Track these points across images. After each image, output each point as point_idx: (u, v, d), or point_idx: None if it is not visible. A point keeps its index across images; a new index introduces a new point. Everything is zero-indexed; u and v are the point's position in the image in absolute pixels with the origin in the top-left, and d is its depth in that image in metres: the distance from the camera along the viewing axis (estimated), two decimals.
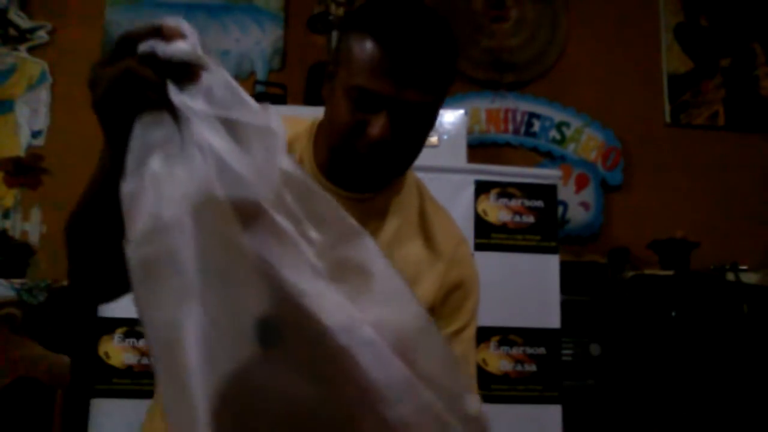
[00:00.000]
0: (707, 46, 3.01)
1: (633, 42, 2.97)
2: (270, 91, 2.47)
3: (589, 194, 2.80)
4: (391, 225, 0.94)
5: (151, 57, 0.59)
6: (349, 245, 0.62)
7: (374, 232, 0.92)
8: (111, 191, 0.64)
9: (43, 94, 2.66)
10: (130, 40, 0.60)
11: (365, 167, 0.85)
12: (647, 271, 2.43)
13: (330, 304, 0.57)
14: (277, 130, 0.60)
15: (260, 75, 2.76)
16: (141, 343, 1.91)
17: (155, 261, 0.55)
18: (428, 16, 0.82)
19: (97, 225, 0.75)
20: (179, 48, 0.59)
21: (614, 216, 2.83)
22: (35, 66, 2.67)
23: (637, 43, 2.97)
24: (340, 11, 2.37)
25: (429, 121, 0.86)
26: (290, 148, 0.93)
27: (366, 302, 0.60)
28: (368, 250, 0.63)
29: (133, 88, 0.61)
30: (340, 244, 0.61)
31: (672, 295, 2.31)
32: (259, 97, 2.37)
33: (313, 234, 0.59)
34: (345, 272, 0.60)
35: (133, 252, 0.56)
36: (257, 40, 2.80)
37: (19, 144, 2.62)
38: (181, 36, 0.60)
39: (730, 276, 2.41)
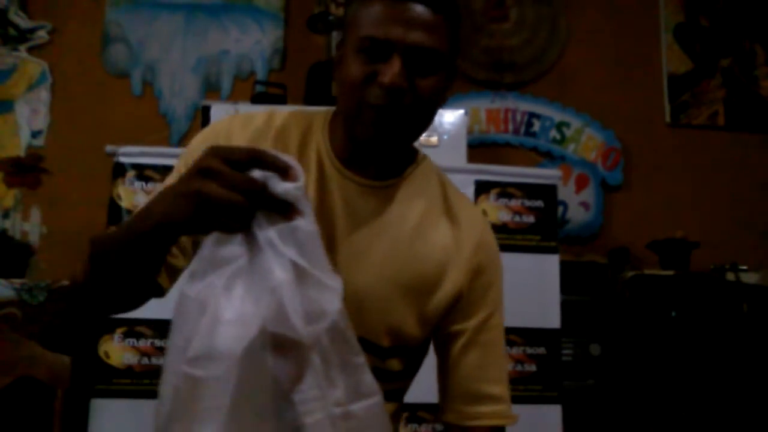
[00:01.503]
0: (707, 46, 3.01)
1: (633, 42, 2.97)
2: (270, 91, 2.47)
3: (589, 194, 2.80)
4: (415, 211, 0.93)
5: (260, 187, 0.62)
6: (362, 403, 0.69)
7: (399, 219, 0.92)
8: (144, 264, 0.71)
9: (43, 94, 2.66)
10: (247, 161, 0.62)
11: (381, 121, 0.83)
12: (647, 271, 2.43)
13: None
14: (338, 288, 0.65)
15: (260, 75, 2.76)
16: (141, 343, 1.91)
17: (200, 382, 0.62)
18: None
19: (126, 275, 0.77)
20: (290, 189, 0.62)
21: (614, 216, 2.83)
22: (35, 66, 2.67)
23: (637, 43, 2.97)
24: (340, 11, 2.37)
25: (441, 73, 0.85)
26: (305, 140, 0.92)
27: None
28: (376, 410, 0.71)
29: (229, 215, 0.62)
30: (356, 400, 0.69)
31: (672, 295, 2.31)
32: (259, 97, 2.38)
33: (338, 380, 0.66)
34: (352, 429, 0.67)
35: (186, 367, 0.62)
36: (257, 40, 2.80)
37: (19, 144, 2.62)
38: (294, 177, 0.63)
39: (730, 276, 2.41)
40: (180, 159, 0.94)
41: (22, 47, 2.68)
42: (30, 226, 2.55)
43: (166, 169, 1.98)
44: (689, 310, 2.28)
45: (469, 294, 0.94)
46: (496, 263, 0.98)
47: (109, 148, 2.01)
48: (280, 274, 0.61)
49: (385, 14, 0.81)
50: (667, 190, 2.86)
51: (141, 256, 0.71)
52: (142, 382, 1.89)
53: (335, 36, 2.40)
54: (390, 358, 0.93)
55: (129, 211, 1.95)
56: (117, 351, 1.90)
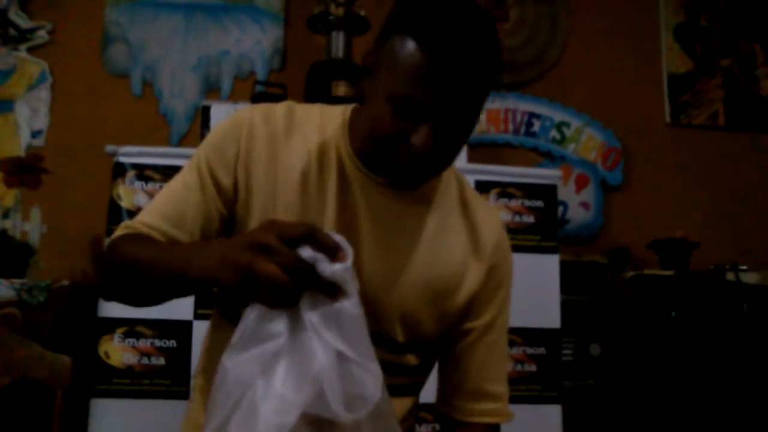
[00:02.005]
0: (707, 46, 3.01)
1: (633, 42, 2.97)
2: (270, 91, 2.46)
3: (589, 194, 2.80)
4: (434, 216, 0.93)
5: (309, 269, 0.62)
6: None
7: (417, 224, 0.92)
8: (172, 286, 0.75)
9: (43, 94, 2.66)
10: (299, 238, 0.63)
11: (406, 173, 0.84)
12: (647, 271, 2.43)
13: None
14: (379, 375, 0.66)
15: (260, 75, 2.76)
16: (141, 343, 1.91)
17: None
18: (475, 18, 0.78)
19: (147, 287, 0.80)
20: (338, 271, 0.63)
21: (614, 216, 2.83)
22: (35, 66, 2.67)
23: (637, 43, 2.97)
24: (340, 11, 2.37)
25: (471, 127, 0.84)
26: (325, 138, 0.91)
27: None
28: None
29: (276, 294, 0.63)
30: None
31: (672, 295, 2.31)
32: (259, 97, 2.38)
33: None
34: None
35: None
36: (257, 40, 2.80)
37: (19, 144, 2.62)
38: (342, 257, 0.64)
39: (730, 276, 2.41)
40: (200, 150, 0.92)
41: (22, 47, 2.67)
42: (30, 226, 2.55)
43: (166, 169, 1.98)
44: (689, 310, 2.28)
45: (481, 293, 0.95)
46: (508, 264, 1.01)
47: (109, 148, 2.01)
48: (322, 358, 0.62)
49: (425, 73, 0.76)
50: (667, 190, 2.86)
51: (176, 290, 0.76)
52: (142, 382, 1.89)
53: (334, 35, 2.39)
54: (406, 353, 0.94)
55: (129, 211, 1.95)
56: (117, 351, 1.90)
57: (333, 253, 0.64)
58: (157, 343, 1.91)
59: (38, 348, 1.40)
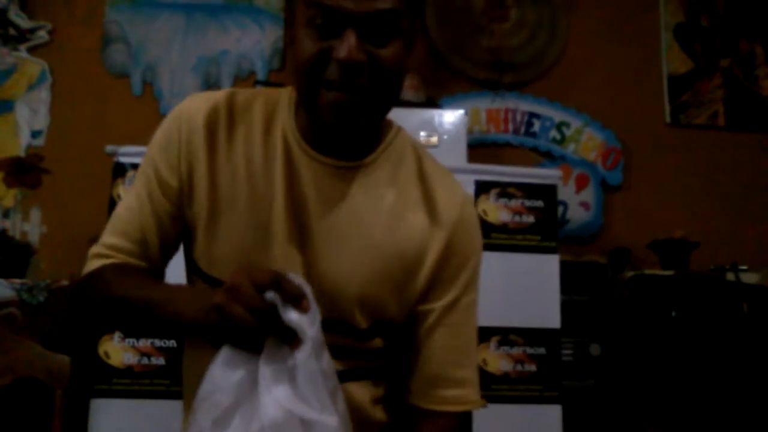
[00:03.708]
0: (707, 46, 3.01)
1: (633, 42, 2.97)
2: None
3: (589, 194, 2.80)
4: (388, 194, 0.88)
5: (271, 309, 0.66)
6: None
7: (374, 201, 0.87)
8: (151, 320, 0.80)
9: (43, 94, 2.66)
10: (268, 284, 0.66)
11: (342, 103, 0.78)
12: (647, 271, 2.43)
13: None
14: (333, 425, 0.67)
15: (260, 75, 2.76)
16: (141, 343, 1.91)
17: None
18: None
19: (122, 321, 0.87)
20: (295, 319, 0.66)
21: (614, 216, 2.83)
22: (35, 66, 2.67)
23: (637, 43, 2.97)
24: None
25: (401, 36, 0.78)
26: (270, 121, 0.88)
27: None
28: None
29: (242, 334, 0.67)
30: None
31: (672, 295, 2.31)
32: None
33: None
34: None
35: None
36: (257, 40, 2.80)
37: (19, 144, 2.62)
38: (306, 307, 0.67)
39: (730, 276, 2.41)
40: (147, 151, 0.91)
41: (22, 47, 2.67)
42: (30, 226, 2.55)
43: None
44: (689, 310, 2.28)
45: (441, 273, 0.89)
46: (473, 243, 0.92)
47: (109, 148, 2.01)
48: (269, 414, 0.64)
49: None
50: (667, 190, 2.86)
51: (166, 330, 0.81)
52: (141, 382, 1.89)
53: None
54: (371, 338, 0.89)
55: None
56: (117, 351, 1.90)
57: (297, 301, 0.67)
58: (157, 343, 1.91)
59: (38, 348, 1.40)
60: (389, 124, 0.93)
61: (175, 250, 0.93)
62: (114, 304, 0.83)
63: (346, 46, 0.74)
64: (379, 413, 0.93)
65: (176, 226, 0.89)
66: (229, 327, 0.67)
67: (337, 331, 0.85)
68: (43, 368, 1.37)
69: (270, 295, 0.66)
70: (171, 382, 1.90)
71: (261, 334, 0.66)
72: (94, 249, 0.90)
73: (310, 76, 0.78)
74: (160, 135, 0.90)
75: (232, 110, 0.88)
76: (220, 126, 0.87)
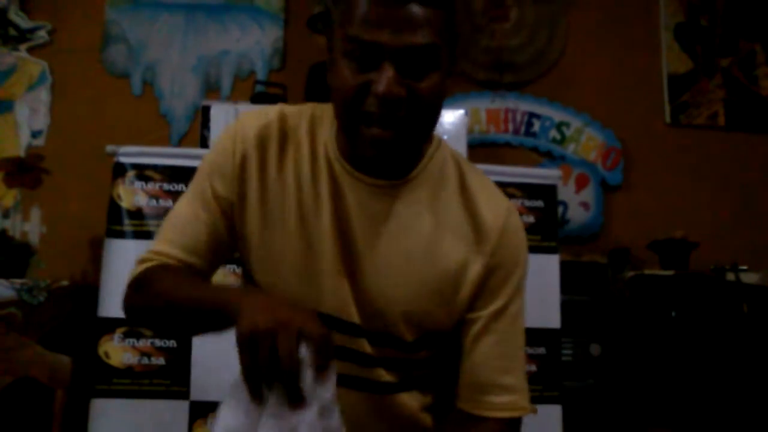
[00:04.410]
0: (707, 46, 3.01)
1: (633, 42, 2.97)
2: (270, 91, 2.47)
3: (589, 194, 2.80)
4: (430, 211, 0.90)
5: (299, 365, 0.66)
6: None
7: (414, 221, 0.89)
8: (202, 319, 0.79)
9: (43, 94, 2.66)
10: (313, 338, 0.66)
11: (381, 137, 0.79)
12: (647, 271, 2.43)
13: None
14: None
15: (260, 75, 2.76)
16: (141, 343, 1.91)
17: None
18: None
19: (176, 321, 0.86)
20: (310, 387, 0.66)
21: (614, 216, 2.83)
22: (35, 66, 2.67)
23: (637, 43, 2.97)
24: None
25: (439, 69, 0.80)
26: (314, 143, 0.91)
27: None
28: None
29: (265, 365, 0.65)
30: None
31: (672, 295, 2.31)
32: (259, 97, 2.38)
33: None
34: None
35: None
36: (257, 40, 2.80)
37: (19, 144, 2.62)
38: (324, 378, 0.67)
39: (730, 276, 2.41)
40: (200, 167, 0.94)
41: (22, 47, 2.68)
42: (30, 226, 2.55)
43: (166, 169, 1.98)
44: (689, 310, 2.28)
45: (487, 283, 0.91)
46: (518, 252, 0.93)
47: (109, 148, 2.01)
48: None
49: (371, 12, 0.75)
50: (667, 190, 2.86)
51: (217, 327, 0.77)
52: (142, 382, 1.89)
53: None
54: (418, 350, 0.92)
55: (129, 211, 1.95)
56: (117, 351, 1.90)
57: (321, 369, 0.67)
58: (157, 343, 1.91)
59: (38, 348, 1.40)
60: (430, 138, 0.94)
61: (222, 261, 0.95)
62: (163, 297, 0.83)
63: (384, 80, 0.76)
64: (427, 420, 0.97)
65: (226, 238, 0.91)
66: (260, 347, 0.65)
67: (386, 344, 0.88)
68: (43, 368, 1.37)
69: (303, 351, 0.66)
70: (171, 382, 1.90)
71: (273, 378, 0.66)
72: (143, 255, 0.92)
73: (350, 109, 0.80)
74: (214, 152, 0.93)
75: (283, 128, 0.91)
76: (271, 143, 0.90)
